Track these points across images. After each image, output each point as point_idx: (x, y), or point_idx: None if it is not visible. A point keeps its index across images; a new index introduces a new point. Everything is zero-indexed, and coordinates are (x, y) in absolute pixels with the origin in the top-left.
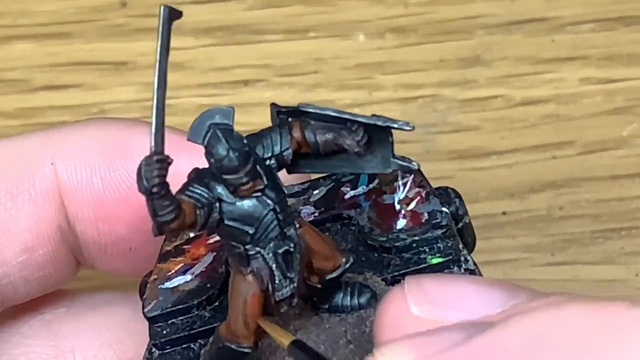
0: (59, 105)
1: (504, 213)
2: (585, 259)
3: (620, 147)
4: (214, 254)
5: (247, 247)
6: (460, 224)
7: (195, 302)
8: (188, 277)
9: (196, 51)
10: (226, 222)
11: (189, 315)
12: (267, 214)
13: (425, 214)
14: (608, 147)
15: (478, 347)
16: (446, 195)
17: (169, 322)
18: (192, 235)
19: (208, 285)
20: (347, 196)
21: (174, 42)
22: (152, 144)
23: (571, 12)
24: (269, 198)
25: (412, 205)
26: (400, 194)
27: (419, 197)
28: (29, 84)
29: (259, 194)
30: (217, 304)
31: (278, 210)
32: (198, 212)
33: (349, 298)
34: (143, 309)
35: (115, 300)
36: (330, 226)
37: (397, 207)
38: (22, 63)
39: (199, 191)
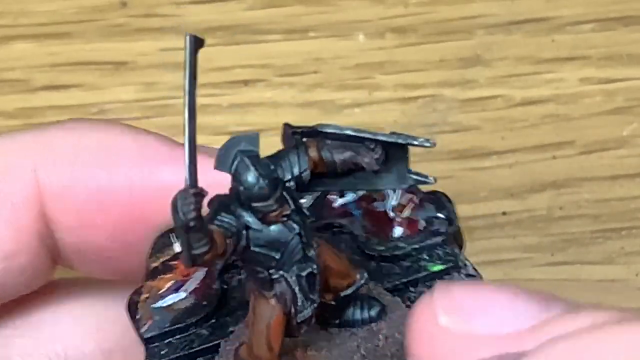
0: (59, 105)
1: (504, 213)
2: (585, 259)
3: (620, 147)
4: (205, 269)
5: (271, 271)
6: (453, 229)
7: (193, 320)
8: (182, 294)
9: None
10: (252, 248)
11: (187, 334)
12: (292, 238)
13: (422, 221)
14: (608, 147)
15: None
16: (438, 200)
17: (166, 341)
18: (177, 250)
19: (204, 303)
20: (335, 204)
21: (173, 42)
22: (187, 176)
23: (571, 12)
24: (295, 222)
25: (406, 213)
26: (392, 201)
27: (412, 204)
28: (29, 84)
29: (285, 219)
30: (214, 320)
31: (302, 233)
32: (227, 241)
33: (359, 312)
34: (137, 330)
35: (94, 288)
36: (321, 236)
37: (391, 214)
38: (22, 63)
39: (227, 220)
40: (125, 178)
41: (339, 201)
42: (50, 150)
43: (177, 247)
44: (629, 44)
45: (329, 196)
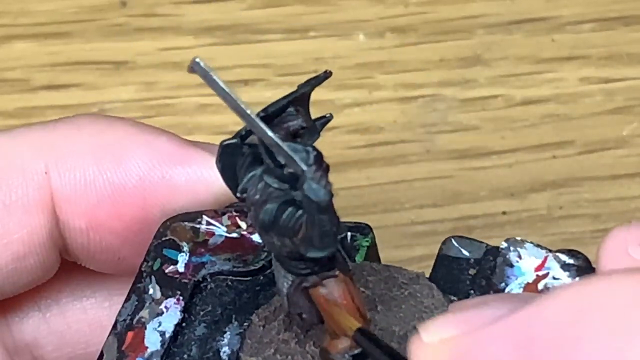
0: (59, 104)
1: (504, 213)
2: None
3: (620, 147)
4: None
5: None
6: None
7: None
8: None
9: (196, 51)
10: None
11: None
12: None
13: None
14: (608, 146)
15: (519, 320)
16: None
17: None
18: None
19: None
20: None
21: (173, 42)
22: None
23: (571, 12)
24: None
25: None
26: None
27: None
28: (29, 84)
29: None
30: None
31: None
32: None
33: None
34: None
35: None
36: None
37: None
38: (22, 63)
39: None
40: (138, 179)
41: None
42: (61, 151)
43: None
44: (629, 44)
45: None
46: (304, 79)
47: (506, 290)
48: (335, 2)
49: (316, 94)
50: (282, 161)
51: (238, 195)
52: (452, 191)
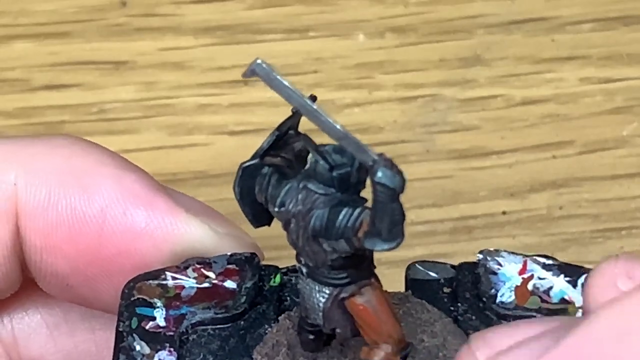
0: (59, 104)
1: (504, 213)
2: (585, 259)
3: (620, 147)
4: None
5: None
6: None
7: None
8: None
9: (196, 51)
10: None
11: None
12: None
13: None
14: (608, 146)
15: (568, 347)
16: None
17: None
18: None
19: None
20: None
21: (173, 42)
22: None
23: (571, 12)
24: None
25: None
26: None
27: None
28: (28, 84)
29: None
30: None
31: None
32: None
33: None
34: None
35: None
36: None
37: None
38: (22, 62)
39: None
40: (99, 211)
41: None
42: (32, 166)
43: None
44: (629, 44)
45: None
46: (304, 79)
47: (498, 294)
48: (335, 2)
49: (316, 94)
50: (352, 154)
51: (276, 209)
52: (452, 191)
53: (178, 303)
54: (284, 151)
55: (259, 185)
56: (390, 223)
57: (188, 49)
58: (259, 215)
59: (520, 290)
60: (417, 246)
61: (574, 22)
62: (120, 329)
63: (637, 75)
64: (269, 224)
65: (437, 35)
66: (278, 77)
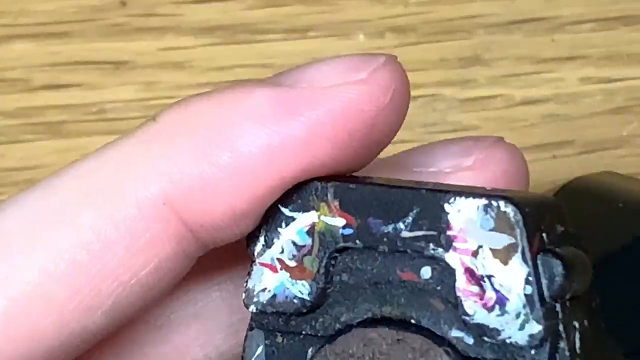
0: (59, 104)
1: None
2: None
3: (620, 147)
4: None
5: None
6: None
7: None
8: None
9: (196, 51)
10: None
11: None
12: None
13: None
14: (608, 146)
15: None
16: None
17: None
18: None
19: None
20: None
21: (173, 42)
22: None
23: (571, 12)
24: None
25: None
26: None
27: None
28: (29, 84)
29: None
30: None
31: None
32: None
33: None
34: None
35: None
36: None
37: None
38: (22, 62)
39: None
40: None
41: None
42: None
43: None
44: (629, 44)
45: None
46: None
47: None
48: (335, 2)
49: None
50: None
51: None
52: None
53: None
54: None
55: None
56: None
57: (188, 49)
58: None
59: None
60: None
61: (574, 22)
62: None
63: (637, 75)
64: None
65: (437, 35)
66: None
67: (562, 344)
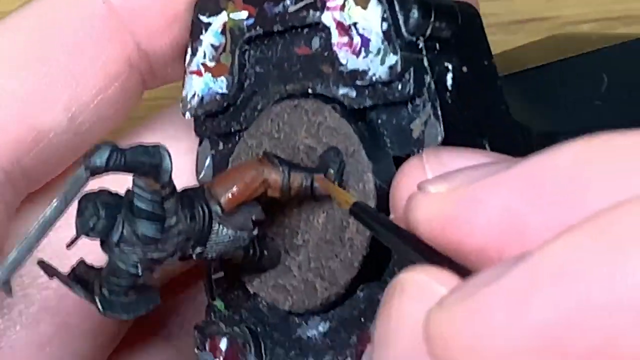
0: None
1: None
2: None
3: None
4: None
5: None
6: None
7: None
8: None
9: None
10: None
11: None
12: None
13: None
14: None
15: (529, 167)
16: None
17: None
18: None
19: None
20: None
21: None
22: None
23: (571, 12)
24: None
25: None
26: None
27: None
28: None
29: None
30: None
31: None
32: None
33: None
34: None
35: None
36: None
37: None
38: None
39: None
40: None
41: None
42: None
43: None
44: None
45: None
46: None
47: None
48: None
49: None
50: None
51: None
52: None
53: None
54: None
55: None
56: None
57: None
58: None
59: None
60: None
61: (574, 22)
62: None
63: None
64: None
65: None
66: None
67: (428, 79)
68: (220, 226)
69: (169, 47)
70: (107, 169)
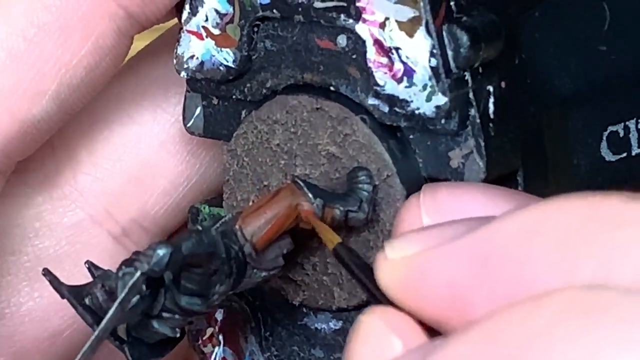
0: None
1: None
2: None
3: None
4: None
5: None
6: None
7: None
8: None
9: None
10: None
11: None
12: None
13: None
14: None
15: (476, 238)
16: None
17: None
18: None
19: None
20: None
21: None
22: None
23: None
24: None
25: None
26: None
27: None
28: None
29: None
30: None
31: None
32: None
33: None
34: None
35: None
36: None
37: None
38: None
39: None
40: None
41: None
42: None
43: None
44: None
45: None
46: None
47: None
48: None
49: None
50: None
51: None
52: None
53: None
54: None
55: None
56: None
57: None
58: None
59: None
60: None
61: None
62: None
63: None
64: None
65: None
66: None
67: (473, 112)
68: (254, 270)
69: (157, 9)
70: (165, 270)
